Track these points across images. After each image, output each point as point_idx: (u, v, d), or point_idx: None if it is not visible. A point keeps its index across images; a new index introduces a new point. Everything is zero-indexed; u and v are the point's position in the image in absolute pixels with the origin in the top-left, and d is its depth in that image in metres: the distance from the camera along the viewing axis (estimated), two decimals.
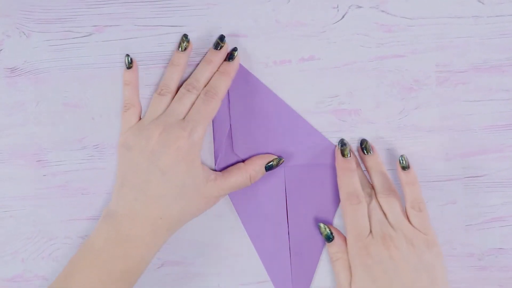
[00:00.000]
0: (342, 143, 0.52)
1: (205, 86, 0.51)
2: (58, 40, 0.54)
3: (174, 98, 0.51)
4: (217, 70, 0.52)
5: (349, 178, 0.51)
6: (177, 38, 0.53)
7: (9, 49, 0.54)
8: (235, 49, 0.52)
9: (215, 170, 0.53)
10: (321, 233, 0.52)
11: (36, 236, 0.54)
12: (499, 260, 0.53)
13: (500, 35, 0.53)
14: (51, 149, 0.54)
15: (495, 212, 0.53)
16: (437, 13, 0.53)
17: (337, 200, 0.53)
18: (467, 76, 0.53)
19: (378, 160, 0.52)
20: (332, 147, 0.53)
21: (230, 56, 0.52)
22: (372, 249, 0.49)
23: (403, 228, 0.49)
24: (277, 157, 0.53)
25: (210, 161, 0.54)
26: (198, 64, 0.53)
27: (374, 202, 0.51)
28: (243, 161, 0.53)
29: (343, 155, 0.52)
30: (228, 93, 0.53)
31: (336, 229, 0.53)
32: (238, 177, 0.51)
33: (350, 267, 0.51)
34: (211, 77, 0.51)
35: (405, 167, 0.51)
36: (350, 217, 0.51)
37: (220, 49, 0.52)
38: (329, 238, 0.52)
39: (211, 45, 0.53)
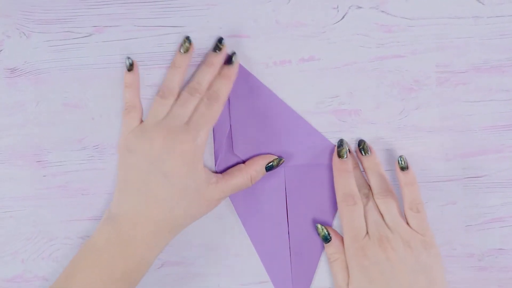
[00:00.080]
0: (339, 144, 0.52)
1: (207, 89, 0.51)
2: (58, 40, 0.54)
3: (177, 102, 0.51)
4: (218, 74, 0.52)
5: (345, 179, 0.51)
6: (177, 38, 0.53)
7: (9, 49, 0.54)
8: (233, 53, 0.52)
9: (216, 171, 0.53)
10: (318, 234, 0.53)
11: (36, 236, 0.54)
12: (499, 260, 0.53)
13: (500, 36, 0.53)
14: (51, 150, 0.54)
15: (495, 213, 0.53)
16: (437, 13, 0.53)
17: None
18: (467, 76, 0.53)
19: (375, 161, 0.52)
20: (332, 147, 0.53)
21: (229, 60, 0.52)
22: (369, 251, 0.49)
23: (400, 230, 0.49)
24: (277, 157, 0.53)
25: (210, 162, 0.54)
26: (199, 65, 0.53)
27: (371, 203, 0.51)
28: (243, 161, 0.53)
29: (339, 156, 0.52)
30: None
31: (333, 230, 0.53)
32: (239, 178, 0.51)
33: (347, 268, 0.51)
34: (213, 80, 0.51)
35: (403, 168, 0.51)
36: (346, 218, 0.51)
37: (219, 51, 0.52)
38: (326, 239, 0.52)
39: (211, 45, 0.53)
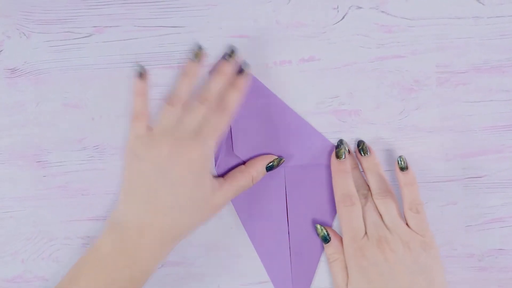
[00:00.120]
0: (337, 145, 0.52)
1: (217, 98, 0.50)
2: (58, 41, 0.54)
3: (186, 110, 0.50)
4: (229, 83, 0.51)
5: (343, 180, 0.51)
6: (177, 38, 0.53)
7: (9, 49, 0.54)
8: (246, 63, 0.51)
9: (216, 172, 0.53)
10: (318, 234, 0.53)
11: (36, 236, 0.54)
12: (499, 261, 0.53)
13: (500, 36, 0.53)
14: (51, 150, 0.54)
15: (495, 213, 0.53)
16: (437, 13, 0.53)
17: None
18: (467, 76, 0.53)
19: (375, 162, 0.52)
20: (332, 147, 0.53)
21: (241, 70, 0.51)
22: (367, 251, 0.49)
23: (399, 231, 0.49)
24: (277, 157, 0.53)
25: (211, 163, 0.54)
26: (209, 73, 0.53)
27: (370, 203, 0.51)
28: (243, 162, 0.53)
29: (337, 157, 0.52)
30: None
31: (333, 230, 0.53)
32: (242, 180, 0.51)
33: (347, 268, 0.51)
34: (223, 89, 0.51)
35: (403, 168, 0.51)
36: (344, 219, 0.51)
37: (231, 60, 0.51)
38: (326, 240, 0.52)
39: (211, 46, 0.53)
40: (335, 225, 0.54)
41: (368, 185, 0.52)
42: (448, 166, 0.53)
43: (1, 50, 0.54)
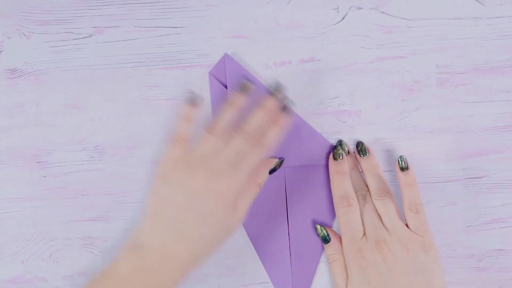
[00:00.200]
0: (335, 146, 0.52)
1: (258, 133, 0.49)
2: (58, 41, 0.54)
3: (225, 142, 0.48)
4: (271, 119, 0.50)
5: (340, 181, 0.51)
6: (177, 39, 0.53)
7: (10, 50, 0.54)
8: (290, 100, 0.51)
9: None
10: (318, 235, 0.53)
11: (36, 237, 0.54)
12: (499, 261, 0.53)
13: (500, 36, 0.53)
14: (51, 150, 0.54)
15: (495, 213, 0.53)
16: (437, 14, 0.53)
17: None
18: (467, 77, 0.53)
19: (374, 162, 0.52)
20: (332, 148, 0.53)
21: (284, 107, 0.50)
22: (366, 252, 0.49)
23: (398, 231, 0.49)
24: (278, 159, 0.53)
25: None
26: (253, 107, 0.50)
27: (368, 204, 0.51)
28: None
29: (334, 158, 0.52)
30: (227, 93, 0.53)
31: (333, 230, 0.53)
32: (251, 191, 0.50)
33: (347, 268, 0.51)
34: (265, 125, 0.50)
35: (403, 168, 0.51)
36: (343, 220, 0.51)
37: (276, 96, 0.50)
38: (325, 240, 0.52)
39: (212, 46, 0.53)
40: (335, 225, 0.54)
41: (367, 186, 0.52)
42: (448, 166, 0.53)
43: (1, 51, 0.54)
